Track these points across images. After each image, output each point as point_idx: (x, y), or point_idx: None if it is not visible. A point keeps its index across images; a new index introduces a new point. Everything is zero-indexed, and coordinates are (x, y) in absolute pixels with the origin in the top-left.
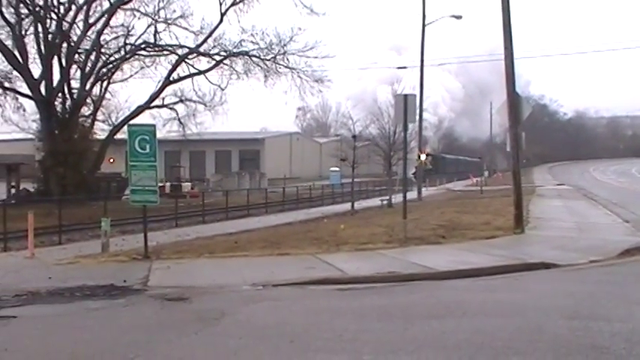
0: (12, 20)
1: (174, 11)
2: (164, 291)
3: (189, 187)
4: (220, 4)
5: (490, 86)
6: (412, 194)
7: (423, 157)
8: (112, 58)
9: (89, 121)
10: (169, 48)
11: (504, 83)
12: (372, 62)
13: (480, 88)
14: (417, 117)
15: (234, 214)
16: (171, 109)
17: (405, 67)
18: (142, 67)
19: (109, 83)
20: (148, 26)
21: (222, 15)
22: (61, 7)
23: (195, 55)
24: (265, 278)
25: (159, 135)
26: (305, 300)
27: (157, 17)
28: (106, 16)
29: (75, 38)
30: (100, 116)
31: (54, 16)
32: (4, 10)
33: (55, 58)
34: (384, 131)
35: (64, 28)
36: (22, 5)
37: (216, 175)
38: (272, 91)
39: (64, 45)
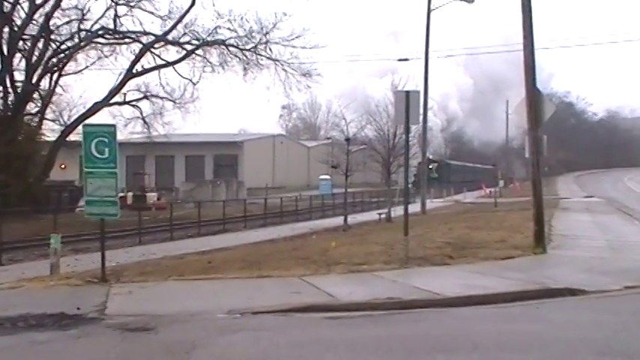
0: None
1: None
2: (125, 320)
3: (155, 197)
4: None
5: (505, 81)
6: (415, 207)
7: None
8: (63, 47)
9: (36, 120)
10: (132, 35)
11: (522, 78)
12: (367, 53)
13: (493, 83)
14: (421, 117)
15: (208, 230)
16: (134, 106)
17: (406, 60)
18: (99, 58)
19: (60, 76)
20: (107, 9)
21: None
22: None
23: (162, 43)
24: (244, 304)
25: (120, 137)
26: (290, 330)
27: None
28: None
29: (19, 22)
30: (49, 114)
31: None
32: None
33: None
34: (383, 134)
35: (5, 10)
36: None
37: (187, 184)
38: (252, 86)
39: (6, 30)
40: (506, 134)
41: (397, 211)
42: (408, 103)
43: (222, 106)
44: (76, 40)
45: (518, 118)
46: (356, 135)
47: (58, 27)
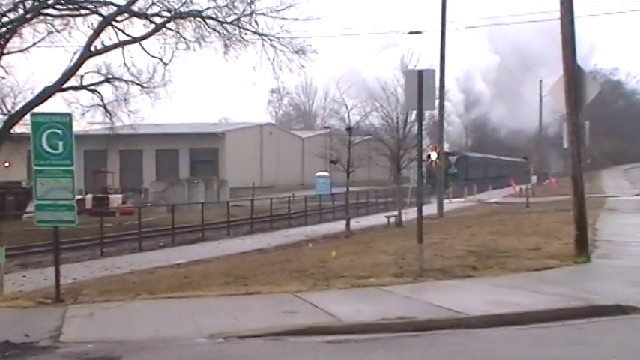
0: None
1: None
2: (84, 348)
3: (120, 200)
4: None
5: (538, 57)
6: (430, 209)
7: (434, 156)
8: (5, 19)
9: None
10: (89, 6)
11: (559, 52)
12: (371, 26)
13: (523, 59)
14: (437, 101)
15: (184, 238)
16: (93, 91)
17: (419, 33)
18: (49, 33)
19: (1, 55)
20: None
21: None
22: None
23: (126, 15)
24: (228, 327)
25: (76, 128)
26: (283, 357)
27: None
28: None
29: None
30: None
31: None
32: None
33: None
34: (391, 122)
35: None
36: None
37: (158, 184)
38: (235, 66)
39: None
40: (539, 121)
41: (409, 214)
42: (421, 84)
43: (199, 91)
44: (21, 11)
45: (554, 100)
46: (359, 124)
47: None
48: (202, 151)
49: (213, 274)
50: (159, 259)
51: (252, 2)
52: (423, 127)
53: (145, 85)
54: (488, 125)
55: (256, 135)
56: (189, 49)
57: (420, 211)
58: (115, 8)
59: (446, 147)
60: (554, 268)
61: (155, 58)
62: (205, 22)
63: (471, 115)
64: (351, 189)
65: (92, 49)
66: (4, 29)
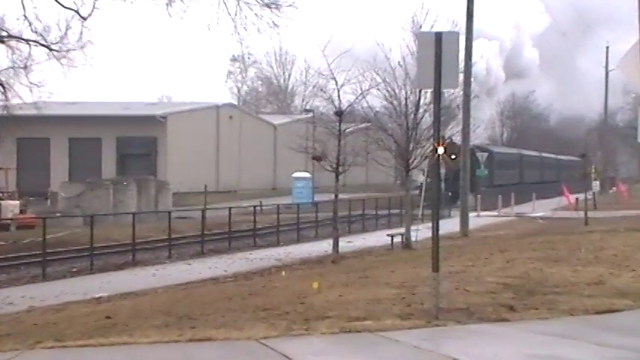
0: None
1: None
2: None
3: (17, 208)
4: None
5: (603, 16)
6: (451, 224)
7: (440, 150)
8: None
9: None
10: None
11: (635, 8)
12: None
13: (582, 19)
14: (461, 75)
15: (108, 262)
16: None
17: None
18: None
19: None
20: None
21: None
22: None
23: None
24: None
25: None
26: None
27: None
28: None
29: None
30: None
31: None
32: None
33: None
34: (397, 104)
35: None
36: None
37: (72, 186)
38: (182, 24)
39: None
40: (604, 105)
41: (421, 232)
42: (439, 52)
43: (132, 59)
44: None
45: (626, 75)
46: (353, 106)
47: None
48: (135, 140)
49: (147, 313)
50: (71, 291)
51: None
52: (442, 112)
53: (54, 47)
54: (532, 110)
55: (211, 119)
56: None
57: (436, 228)
58: None
59: (474, 140)
60: (624, 310)
61: (69, 9)
62: None
63: (504, 98)
64: (341, 195)
65: None
66: None
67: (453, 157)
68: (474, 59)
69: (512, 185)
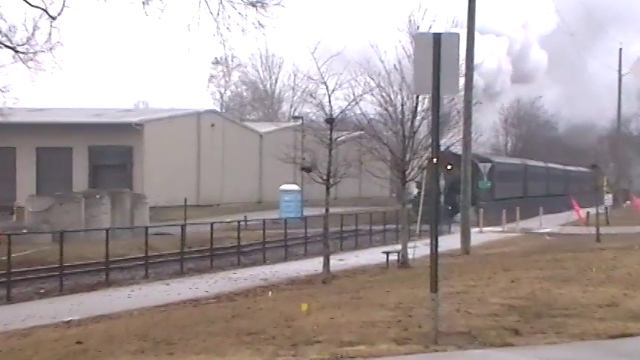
0: None
1: None
2: None
3: None
4: None
5: (616, 13)
6: (451, 240)
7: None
8: None
9: None
10: None
11: None
12: None
13: (591, 17)
14: (462, 80)
15: (79, 282)
16: None
17: None
18: None
19: None
20: None
21: None
22: None
23: None
24: None
25: None
26: None
27: None
28: None
29: None
30: None
31: None
32: None
33: None
34: (393, 110)
35: None
36: None
37: (40, 200)
38: (159, 25)
39: None
40: (617, 111)
41: (419, 249)
42: (438, 55)
43: (106, 61)
44: None
45: None
46: (345, 113)
47: None
48: (109, 150)
49: (121, 338)
50: (38, 314)
51: None
52: (441, 120)
53: (20, 48)
54: (539, 117)
55: (191, 127)
56: None
57: (435, 245)
58: None
59: (476, 149)
60: (639, 335)
61: (36, 8)
62: None
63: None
64: (333, 209)
65: None
66: None
67: (449, 167)
68: (479, 57)
69: (515, 199)
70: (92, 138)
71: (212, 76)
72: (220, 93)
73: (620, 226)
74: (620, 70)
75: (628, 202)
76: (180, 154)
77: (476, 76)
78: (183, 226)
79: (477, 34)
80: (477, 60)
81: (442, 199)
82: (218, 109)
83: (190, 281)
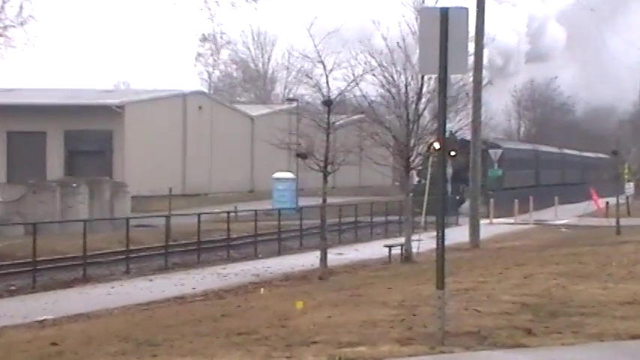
0: None
1: None
2: None
3: None
4: None
5: None
6: (459, 233)
7: (437, 146)
8: None
9: None
10: None
11: None
12: None
13: None
14: (471, 58)
15: (54, 278)
16: None
17: None
18: None
19: None
20: None
21: None
22: None
23: None
24: None
25: None
26: None
27: None
28: None
29: None
30: None
31: None
32: None
33: None
34: (396, 92)
35: None
36: None
37: (11, 189)
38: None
39: None
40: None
41: (424, 242)
42: (446, 31)
43: (84, 38)
44: None
45: None
46: (344, 95)
47: None
48: (87, 135)
49: (100, 339)
50: (9, 313)
51: None
52: (449, 100)
53: None
54: (554, 99)
55: (176, 110)
56: None
57: (441, 238)
58: None
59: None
60: None
61: None
62: None
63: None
64: (330, 200)
65: None
66: None
67: (452, 153)
68: (493, 30)
69: (526, 188)
70: (68, 121)
71: (199, 55)
72: (208, 73)
73: None
74: None
75: None
76: (165, 140)
77: (490, 52)
78: (167, 218)
79: (493, 3)
80: (491, 32)
81: (449, 188)
82: (206, 91)
83: (176, 277)
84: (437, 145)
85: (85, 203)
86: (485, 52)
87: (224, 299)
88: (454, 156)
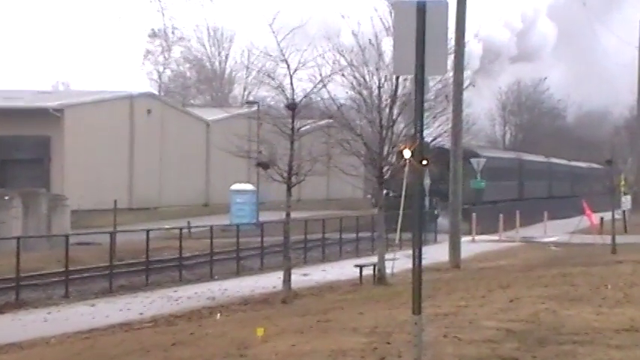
0: None
1: None
2: None
3: None
4: None
5: None
6: (437, 251)
7: (407, 154)
8: None
9: None
10: None
11: None
12: None
13: None
14: (450, 59)
15: None
16: None
17: None
18: None
19: None
20: None
21: None
22: None
23: None
24: None
25: None
26: None
27: None
28: None
29: None
30: None
31: None
32: None
33: None
34: (368, 95)
35: None
36: None
37: None
38: None
39: None
40: (637, 96)
41: (400, 261)
42: (423, 28)
43: (18, 34)
44: None
45: None
46: (310, 98)
47: None
48: (21, 141)
49: None
50: None
51: None
52: (427, 104)
53: None
54: (543, 103)
55: (123, 114)
56: None
57: (418, 257)
58: None
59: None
60: None
61: None
62: None
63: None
64: (295, 214)
65: None
66: None
67: (423, 162)
68: (478, 22)
69: (506, 202)
70: (0, 126)
71: (148, 52)
72: (158, 72)
73: (638, 234)
74: (639, 47)
75: None
76: (109, 147)
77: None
78: (112, 234)
79: None
80: (475, 25)
81: (427, 199)
82: (156, 92)
83: (121, 301)
84: (406, 153)
85: (19, 218)
86: (467, 50)
87: (175, 326)
88: (425, 165)
